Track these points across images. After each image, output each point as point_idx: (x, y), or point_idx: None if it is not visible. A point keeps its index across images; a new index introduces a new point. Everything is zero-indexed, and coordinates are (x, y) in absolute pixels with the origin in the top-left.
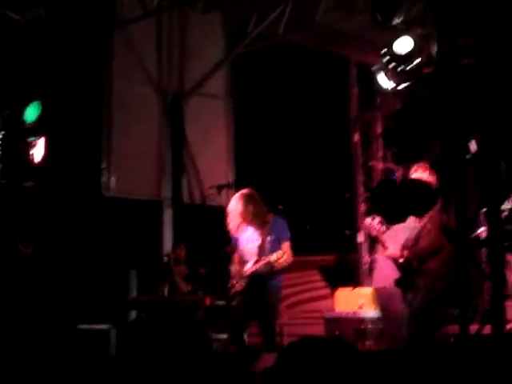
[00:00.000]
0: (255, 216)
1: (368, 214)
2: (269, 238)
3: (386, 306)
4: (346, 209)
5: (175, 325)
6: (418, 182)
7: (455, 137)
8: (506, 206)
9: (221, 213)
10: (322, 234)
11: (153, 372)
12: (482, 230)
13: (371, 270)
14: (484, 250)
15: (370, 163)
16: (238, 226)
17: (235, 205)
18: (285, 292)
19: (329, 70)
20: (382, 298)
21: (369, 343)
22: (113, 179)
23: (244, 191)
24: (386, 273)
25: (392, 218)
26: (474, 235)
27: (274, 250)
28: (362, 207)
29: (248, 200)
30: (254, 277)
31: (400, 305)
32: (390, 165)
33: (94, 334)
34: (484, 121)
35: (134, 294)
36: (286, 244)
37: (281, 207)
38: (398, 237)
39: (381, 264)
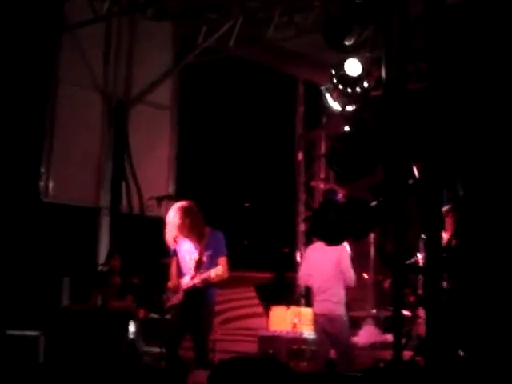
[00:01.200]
0: (192, 229)
1: (308, 233)
2: (206, 253)
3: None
4: (285, 227)
5: (106, 335)
6: (360, 204)
7: (398, 161)
8: (444, 234)
9: (159, 224)
10: (260, 250)
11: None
12: (419, 257)
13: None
14: (421, 277)
15: (312, 183)
16: (175, 238)
17: (173, 217)
18: (219, 307)
19: (276, 87)
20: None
21: (302, 364)
22: (51, 184)
23: (183, 203)
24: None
25: (331, 240)
26: (411, 261)
27: (211, 264)
28: (302, 226)
29: (186, 213)
30: (191, 291)
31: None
32: (332, 185)
33: (23, 340)
34: (428, 147)
35: (66, 301)
36: (222, 259)
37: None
38: None
39: None
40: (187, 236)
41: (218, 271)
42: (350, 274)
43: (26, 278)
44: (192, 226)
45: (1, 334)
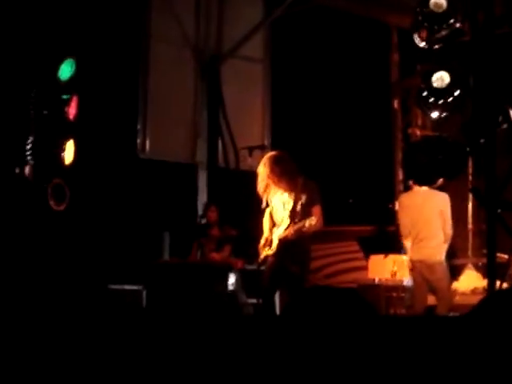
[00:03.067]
0: (282, 178)
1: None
2: (300, 202)
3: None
4: (383, 177)
5: (206, 287)
6: (450, 143)
7: (489, 99)
8: None
9: (254, 177)
10: (360, 204)
11: (182, 333)
12: None
13: None
14: None
15: (409, 130)
16: (266, 188)
17: (263, 166)
18: (322, 262)
19: (369, 36)
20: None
21: (400, 311)
22: (148, 141)
23: (272, 152)
24: None
25: (424, 181)
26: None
27: (305, 213)
28: (400, 175)
29: (276, 161)
30: (284, 242)
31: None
32: (429, 132)
33: (125, 294)
34: None
35: (166, 256)
36: (317, 208)
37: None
38: None
39: None
40: (278, 185)
41: (312, 221)
42: (450, 224)
43: (127, 233)
44: (282, 175)
45: (103, 288)
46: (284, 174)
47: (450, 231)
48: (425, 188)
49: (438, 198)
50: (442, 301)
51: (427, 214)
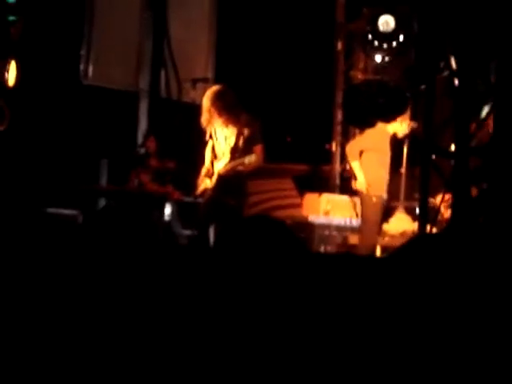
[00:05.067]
0: (224, 112)
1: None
2: (241, 138)
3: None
4: (322, 118)
5: (142, 216)
6: (390, 86)
7: (432, 46)
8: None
9: (196, 109)
10: (297, 142)
11: (117, 261)
12: None
13: None
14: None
15: (351, 73)
16: (209, 121)
17: (206, 99)
18: (257, 198)
19: None
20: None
21: (331, 249)
22: (91, 67)
23: (215, 87)
24: None
25: (361, 123)
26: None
27: (246, 150)
28: (339, 116)
29: (218, 95)
30: (223, 176)
31: None
32: (371, 76)
33: (61, 218)
34: (463, 37)
35: (104, 182)
36: (258, 147)
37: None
38: None
39: None
40: (220, 119)
41: (252, 158)
42: None
43: (65, 158)
44: (223, 109)
45: (40, 210)
46: (225, 108)
47: None
48: None
49: None
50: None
51: None
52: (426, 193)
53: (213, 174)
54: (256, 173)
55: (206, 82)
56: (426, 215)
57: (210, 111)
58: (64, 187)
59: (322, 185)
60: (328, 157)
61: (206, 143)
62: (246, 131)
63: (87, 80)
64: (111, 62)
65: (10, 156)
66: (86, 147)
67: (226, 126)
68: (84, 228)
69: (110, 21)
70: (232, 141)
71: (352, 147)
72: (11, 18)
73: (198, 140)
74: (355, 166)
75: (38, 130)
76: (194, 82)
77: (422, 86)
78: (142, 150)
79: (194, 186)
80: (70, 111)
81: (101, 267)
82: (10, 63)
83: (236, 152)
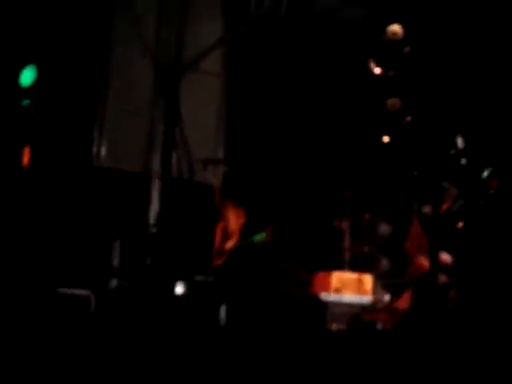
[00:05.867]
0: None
1: None
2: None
3: None
4: (332, 194)
5: (157, 296)
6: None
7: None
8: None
9: (206, 189)
10: (306, 220)
11: (132, 339)
12: None
13: None
14: None
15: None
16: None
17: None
18: (269, 276)
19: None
20: None
21: (342, 326)
22: (103, 149)
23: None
24: None
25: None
26: None
27: (256, 229)
28: (349, 193)
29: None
30: (236, 254)
31: None
32: None
33: (74, 299)
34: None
35: (116, 263)
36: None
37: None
38: None
39: None
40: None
41: (262, 236)
42: None
43: (78, 239)
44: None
45: (53, 291)
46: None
47: None
48: None
49: None
50: None
51: None
52: (435, 272)
53: (224, 252)
54: (267, 250)
55: (217, 162)
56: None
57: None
58: (77, 268)
59: (332, 262)
60: (338, 234)
61: (217, 222)
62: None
63: (100, 162)
64: (123, 143)
65: (24, 236)
66: (98, 228)
67: (236, 206)
68: (97, 308)
69: (123, 103)
70: (241, 220)
71: None
72: (25, 102)
73: (210, 218)
74: None
75: (51, 211)
76: (205, 162)
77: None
78: (154, 229)
79: (206, 264)
80: (82, 192)
81: (113, 344)
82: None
83: (246, 231)
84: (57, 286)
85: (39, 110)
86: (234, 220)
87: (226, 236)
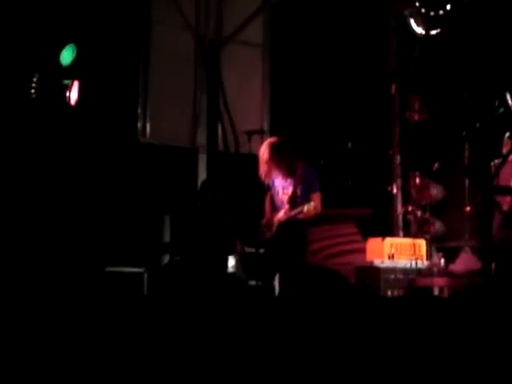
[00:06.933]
0: (281, 165)
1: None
2: (299, 188)
3: None
4: (381, 161)
5: (208, 270)
6: (446, 127)
7: (486, 84)
8: None
9: (252, 160)
10: (358, 187)
11: (185, 316)
12: None
13: None
14: None
15: (407, 114)
16: (267, 174)
17: (263, 152)
18: (320, 244)
19: (368, 21)
20: None
21: (397, 293)
22: (148, 125)
23: (271, 139)
24: None
25: (419, 166)
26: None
27: (304, 199)
28: (398, 159)
29: (275, 147)
30: (284, 225)
31: None
32: (426, 116)
33: (126, 277)
34: None
35: (167, 238)
36: (316, 195)
37: (322, 162)
38: None
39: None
40: (278, 171)
41: (310, 206)
42: None
43: (128, 217)
44: (281, 161)
45: (102, 271)
46: (283, 160)
47: None
48: None
49: None
50: None
51: None
52: (489, 231)
53: (273, 224)
54: (317, 220)
55: (262, 133)
56: (490, 254)
57: (267, 164)
58: (128, 246)
59: (386, 228)
60: (389, 199)
61: (265, 194)
62: (303, 181)
63: (145, 138)
64: (168, 119)
65: (75, 216)
66: (147, 205)
67: (284, 177)
68: (151, 284)
69: (164, 78)
70: (290, 191)
71: None
72: (66, 81)
73: (257, 190)
74: None
75: (100, 190)
76: (250, 134)
77: (477, 125)
78: (200, 203)
79: (256, 236)
80: (129, 170)
81: (170, 321)
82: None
83: (295, 201)
84: (108, 264)
85: (79, 89)
86: (283, 190)
87: (275, 207)
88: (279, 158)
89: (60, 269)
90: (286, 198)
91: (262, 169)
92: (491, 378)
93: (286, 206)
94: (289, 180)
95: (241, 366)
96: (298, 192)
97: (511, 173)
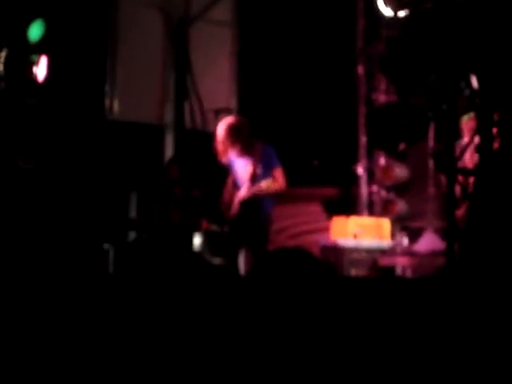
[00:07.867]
0: (236, 144)
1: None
2: (259, 167)
3: None
4: (346, 141)
5: (173, 247)
6: (412, 107)
7: (452, 66)
8: None
9: None
10: (324, 166)
11: (151, 293)
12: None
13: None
14: None
15: (373, 96)
16: (223, 152)
17: (219, 132)
18: (285, 223)
19: (335, 2)
20: None
21: (361, 272)
22: (116, 102)
23: (229, 119)
24: None
25: (385, 146)
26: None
27: (266, 176)
28: (363, 139)
29: (231, 128)
30: (246, 203)
31: None
32: (393, 97)
33: (91, 253)
34: (482, 59)
35: (133, 215)
36: (277, 171)
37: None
38: None
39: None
40: (233, 150)
41: (269, 183)
42: None
43: (94, 193)
44: (236, 141)
45: (71, 246)
46: (238, 139)
47: None
48: None
49: None
50: None
51: None
52: (453, 212)
53: (233, 202)
54: (282, 198)
55: (229, 112)
56: (454, 235)
57: (223, 143)
58: (94, 222)
59: (351, 208)
60: (355, 179)
61: (227, 172)
62: (262, 159)
63: (112, 115)
64: (135, 96)
65: (38, 194)
66: (114, 182)
67: (241, 155)
68: (116, 261)
69: (132, 56)
70: (249, 169)
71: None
72: (33, 57)
73: (222, 169)
74: None
75: (66, 167)
76: (217, 112)
77: (444, 106)
78: (165, 178)
79: (220, 214)
80: (95, 147)
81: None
82: (36, 103)
83: (255, 179)
84: (74, 240)
85: (48, 65)
86: (243, 169)
87: (236, 186)
88: (235, 138)
89: (26, 245)
90: (246, 176)
91: (218, 147)
92: (453, 357)
93: (247, 184)
94: (247, 159)
95: (207, 345)
96: (258, 171)
97: (471, 155)
